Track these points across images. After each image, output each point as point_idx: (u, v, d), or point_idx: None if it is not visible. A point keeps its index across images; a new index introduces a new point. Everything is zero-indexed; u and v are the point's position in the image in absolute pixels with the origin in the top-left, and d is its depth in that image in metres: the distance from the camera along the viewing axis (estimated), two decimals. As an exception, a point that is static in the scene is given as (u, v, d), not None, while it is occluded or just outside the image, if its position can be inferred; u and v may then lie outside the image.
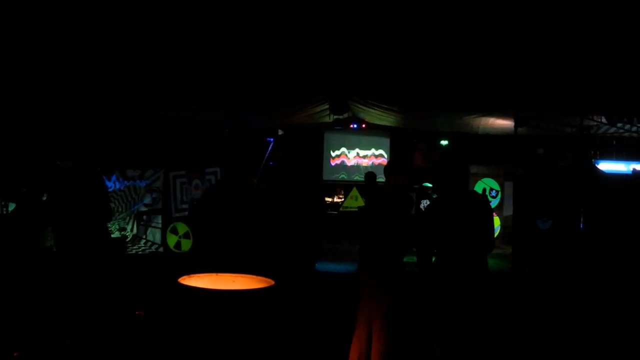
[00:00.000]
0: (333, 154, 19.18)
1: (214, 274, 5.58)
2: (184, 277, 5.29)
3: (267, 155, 17.86)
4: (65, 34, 12.05)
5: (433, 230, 6.39)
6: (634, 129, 15.07)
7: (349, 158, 19.12)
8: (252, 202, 7.69)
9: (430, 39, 13.48)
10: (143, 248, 14.61)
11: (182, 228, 14.64)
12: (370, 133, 19.04)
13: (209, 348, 4.87)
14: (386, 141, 19.18)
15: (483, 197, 7.00)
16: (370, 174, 13.03)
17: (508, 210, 17.46)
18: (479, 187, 18.13)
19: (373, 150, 19.06)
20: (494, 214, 17.32)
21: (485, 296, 6.41)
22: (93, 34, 12.21)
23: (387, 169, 6.83)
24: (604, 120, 14.72)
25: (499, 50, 13.34)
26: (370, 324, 6.43)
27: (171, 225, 14.79)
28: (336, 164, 19.18)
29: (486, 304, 6.46)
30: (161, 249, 14.73)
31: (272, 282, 5.29)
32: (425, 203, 15.45)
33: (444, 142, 18.41)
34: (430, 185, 16.28)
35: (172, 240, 14.75)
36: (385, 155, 19.11)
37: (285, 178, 10.66)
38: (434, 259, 6.42)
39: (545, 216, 13.30)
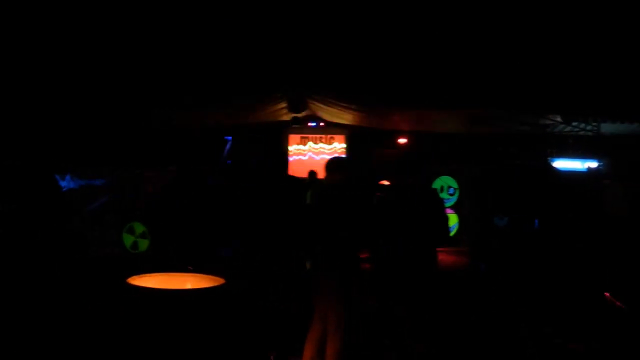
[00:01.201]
0: (292, 152, 19.17)
1: (165, 274, 5.55)
2: (133, 277, 5.26)
3: (225, 153, 17.82)
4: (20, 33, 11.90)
5: (383, 225, 6.44)
6: (589, 127, 15.24)
7: (307, 156, 19.10)
8: (207, 201, 7.69)
9: (387, 36, 13.51)
10: (98, 249, 14.46)
11: (139, 228, 14.44)
12: (329, 131, 19.05)
13: (156, 348, 4.84)
14: (344, 139, 19.18)
15: (433, 191, 7.05)
16: (313, 172, 13.05)
17: (466, 208, 17.63)
18: (437, 185, 18.25)
19: (332, 148, 19.06)
20: (452, 211, 17.65)
21: (433, 289, 6.47)
22: (47, 32, 12.07)
23: (329, 165, 6.81)
24: (559, 119, 14.87)
25: (455, 49, 13.40)
26: (325, 323, 6.42)
27: (127, 225, 14.64)
28: (295, 162, 19.16)
29: (435, 296, 6.52)
30: (118, 250, 14.60)
31: (223, 281, 5.28)
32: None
33: (403, 140, 18.47)
34: (387, 182, 16.36)
35: (128, 240, 14.62)
36: (345, 154, 19.10)
37: (245, 176, 10.63)
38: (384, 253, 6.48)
39: (502, 213, 13.43)
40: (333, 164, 6.79)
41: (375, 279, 6.84)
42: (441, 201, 6.76)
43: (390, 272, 6.44)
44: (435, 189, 7.56)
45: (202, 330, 4.97)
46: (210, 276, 5.44)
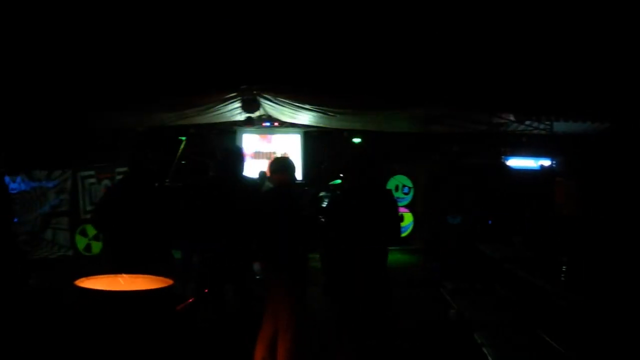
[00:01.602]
0: (247, 153, 19.10)
1: (112, 276, 5.53)
2: (81, 279, 5.23)
3: (179, 153, 17.73)
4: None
5: (335, 224, 6.48)
6: (542, 126, 15.42)
7: (262, 156, 19.05)
8: (156, 201, 7.65)
9: (341, 37, 13.57)
10: (50, 251, 14.33)
11: (92, 230, 14.30)
12: (283, 131, 19.03)
13: (104, 350, 4.83)
14: (299, 139, 19.19)
15: (387, 192, 7.08)
16: (263, 172, 13.05)
17: (421, 207, 17.78)
18: (391, 184, 18.36)
19: (286, 148, 19.03)
20: (407, 210, 17.75)
21: (384, 290, 6.52)
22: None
23: (272, 166, 6.87)
24: (512, 117, 15.04)
25: (409, 48, 13.51)
26: (276, 323, 6.46)
27: (80, 228, 14.54)
28: (250, 163, 19.08)
29: (385, 298, 6.56)
30: (70, 252, 14.47)
31: (171, 282, 5.27)
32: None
33: (357, 140, 18.53)
34: (339, 182, 16.41)
35: (81, 242, 14.53)
36: (299, 153, 19.10)
37: (199, 177, 10.58)
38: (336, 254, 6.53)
39: (455, 212, 13.55)
40: (277, 164, 6.83)
41: (326, 278, 6.88)
42: (394, 202, 6.81)
43: (340, 271, 6.48)
44: (389, 190, 7.57)
45: (151, 332, 4.96)
46: (159, 277, 5.43)
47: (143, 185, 7.61)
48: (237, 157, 8.04)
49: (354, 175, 6.68)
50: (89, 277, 5.31)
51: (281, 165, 6.83)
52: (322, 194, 13.79)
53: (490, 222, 13.02)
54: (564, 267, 7.33)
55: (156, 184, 7.96)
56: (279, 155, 15.45)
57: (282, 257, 6.47)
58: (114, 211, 7.36)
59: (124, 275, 5.57)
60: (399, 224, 7.02)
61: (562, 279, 7.08)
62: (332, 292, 6.73)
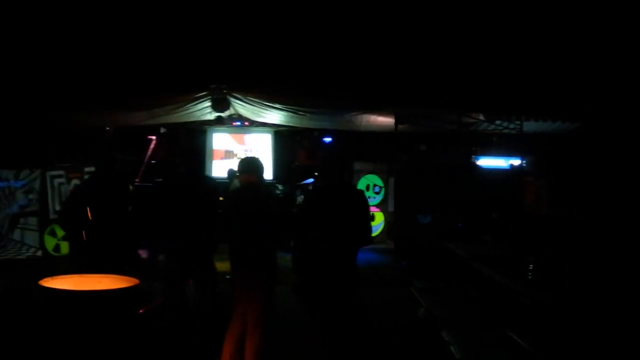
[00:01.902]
0: (217, 152, 19.07)
1: (79, 275, 5.54)
2: (46, 279, 5.23)
3: (149, 153, 17.69)
4: None
5: (307, 223, 6.51)
6: (512, 126, 15.54)
7: (233, 156, 19.01)
8: (123, 201, 7.66)
9: (311, 36, 13.57)
10: (19, 252, 14.23)
11: (61, 230, 14.17)
12: (254, 130, 19.01)
13: (69, 349, 4.83)
14: (269, 138, 19.18)
15: (359, 192, 7.11)
16: (232, 170, 13.01)
17: (392, 206, 17.85)
18: (362, 184, 18.42)
19: (256, 148, 19.03)
20: (378, 209, 17.81)
21: (353, 289, 6.56)
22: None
23: (240, 166, 6.86)
24: (482, 117, 15.13)
25: (378, 48, 13.53)
26: (245, 321, 6.48)
27: (49, 228, 14.43)
28: (221, 162, 19.02)
29: (355, 297, 6.60)
30: (39, 253, 14.38)
31: (137, 282, 5.28)
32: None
33: (328, 139, 18.58)
34: (311, 181, 16.46)
35: (50, 243, 14.42)
36: (270, 153, 19.11)
37: (169, 176, 10.57)
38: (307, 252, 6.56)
39: (426, 211, 13.63)
40: (245, 164, 6.84)
41: (297, 277, 6.89)
42: (366, 202, 6.85)
43: (311, 270, 6.51)
44: (361, 190, 7.61)
45: (116, 330, 4.97)
46: (124, 277, 5.44)
47: (110, 184, 7.61)
48: (197, 155, 8.11)
49: (326, 174, 6.71)
50: (54, 277, 5.32)
51: (249, 165, 6.82)
52: (296, 193, 13.88)
53: (460, 224, 13.08)
54: (530, 266, 7.39)
55: (126, 184, 7.96)
56: (249, 154, 15.48)
57: (249, 257, 6.49)
58: (80, 211, 7.36)
59: (90, 275, 5.58)
60: (370, 224, 7.06)
61: (529, 277, 7.14)
62: (302, 292, 6.76)
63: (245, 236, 6.51)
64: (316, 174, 13.86)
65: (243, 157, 7.04)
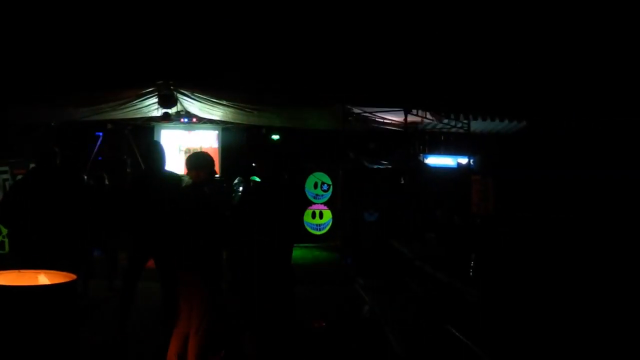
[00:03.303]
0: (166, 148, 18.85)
1: (16, 271, 5.48)
2: (-19, 275, 5.18)
3: (95, 149, 17.50)
4: None
5: (240, 220, 6.51)
6: (460, 125, 15.67)
7: (180, 153, 18.88)
8: (65, 197, 7.59)
9: (261, 32, 13.59)
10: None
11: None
12: (202, 127, 18.90)
13: (6, 346, 4.79)
14: (216, 135, 19.09)
15: (294, 189, 7.14)
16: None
17: (339, 204, 17.94)
18: (310, 181, 18.45)
19: (203, 145, 18.94)
20: (327, 207, 17.87)
21: (288, 286, 6.57)
22: None
23: (188, 162, 6.82)
24: (429, 116, 15.25)
25: (326, 45, 13.58)
26: (190, 320, 6.46)
27: (-6, 225, 14.25)
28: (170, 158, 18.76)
29: (290, 293, 6.61)
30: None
31: (74, 277, 5.24)
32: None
33: (276, 137, 18.58)
34: (258, 179, 16.42)
35: (-5, 240, 14.27)
36: (218, 149, 19.02)
37: (116, 174, 10.43)
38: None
39: (372, 209, 13.70)
40: (194, 160, 6.79)
41: (230, 273, 6.90)
42: (300, 198, 6.89)
43: (242, 266, 6.52)
44: (299, 186, 7.64)
45: (53, 327, 4.93)
46: (61, 273, 5.39)
47: (49, 180, 7.54)
48: (158, 152, 8.07)
49: (262, 171, 6.72)
50: (-11, 273, 5.26)
51: (197, 161, 6.78)
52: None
53: (403, 223, 13.15)
54: (471, 264, 7.47)
55: (83, 180, 7.89)
56: (198, 150, 15.40)
57: (193, 256, 6.46)
58: (19, 206, 7.29)
59: (27, 271, 5.52)
60: (300, 221, 7.10)
61: (470, 275, 7.22)
62: (234, 288, 6.77)
63: (187, 235, 6.50)
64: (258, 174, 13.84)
65: (191, 153, 6.94)
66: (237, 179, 10.87)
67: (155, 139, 18.46)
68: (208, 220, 6.48)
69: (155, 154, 8.14)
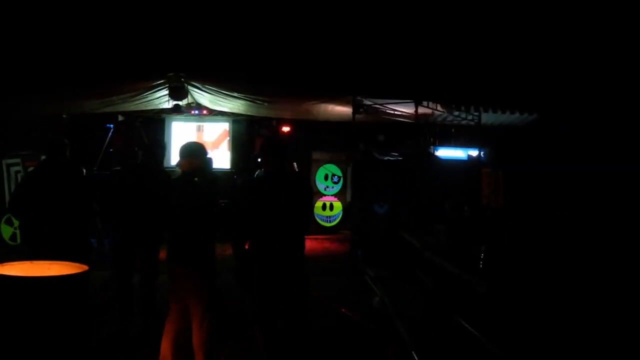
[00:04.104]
0: (176, 141, 18.94)
1: (28, 262, 5.54)
2: (-6, 265, 5.24)
3: (106, 141, 17.57)
4: None
5: (247, 211, 6.47)
6: (470, 117, 15.67)
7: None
8: (74, 189, 7.64)
9: (270, 25, 13.60)
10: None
11: (18, 219, 14.08)
12: (212, 119, 18.93)
13: (18, 335, 4.85)
14: (228, 127, 19.12)
15: (300, 180, 7.09)
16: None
17: (349, 196, 17.99)
18: (321, 173, 18.47)
19: (215, 137, 19.00)
20: (337, 199, 17.89)
21: (301, 279, 6.55)
22: None
23: (181, 151, 6.63)
24: (440, 108, 15.25)
25: (338, 37, 13.59)
26: (187, 316, 6.33)
27: (6, 216, 14.30)
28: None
29: (302, 286, 6.59)
30: (-3, 241, 14.27)
31: (86, 268, 5.30)
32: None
33: (286, 129, 18.58)
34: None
35: (7, 231, 14.30)
36: (227, 142, 19.08)
37: (127, 166, 10.48)
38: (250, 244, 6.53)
39: (382, 201, 13.71)
40: (186, 149, 6.63)
41: (239, 263, 6.88)
42: (308, 190, 6.86)
43: (252, 259, 6.48)
44: (303, 178, 7.63)
45: (64, 317, 4.99)
46: (74, 264, 5.45)
47: (60, 172, 7.60)
48: (158, 146, 8.13)
49: (266, 162, 6.63)
50: (2, 264, 5.31)
51: (190, 149, 6.63)
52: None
53: (414, 215, 13.14)
54: (481, 256, 7.50)
55: (82, 172, 7.93)
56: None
57: (189, 249, 6.35)
58: (30, 198, 7.35)
59: (39, 262, 5.58)
60: (309, 214, 7.03)
61: (480, 267, 7.24)
62: (243, 279, 6.71)
63: (182, 227, 6.38)
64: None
65: (185, 143, 6.79)
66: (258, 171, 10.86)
67: (166, 131, 18.55)
68: (198, 213, 6.36)
69: (154, 148, 8.26)
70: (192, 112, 18.18)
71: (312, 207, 6.50)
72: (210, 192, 6.65)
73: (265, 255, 6.36)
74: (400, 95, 14.22)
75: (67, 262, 5.51)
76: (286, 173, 6.73)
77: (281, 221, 6.36)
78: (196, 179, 6.53)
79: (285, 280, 6.38)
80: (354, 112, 14.57)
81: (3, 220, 14.29)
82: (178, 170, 6.65)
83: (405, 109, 15.08)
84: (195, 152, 6.63)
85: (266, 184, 6.58)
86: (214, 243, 6.52)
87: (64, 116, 16.63)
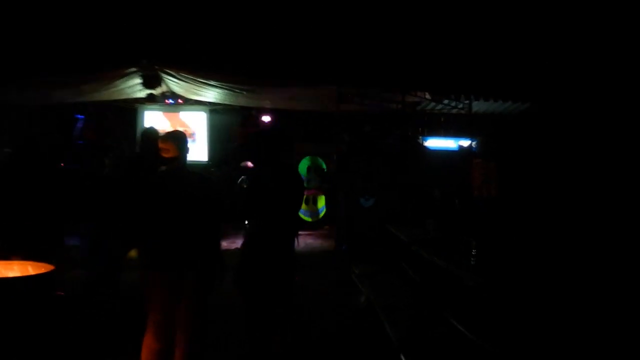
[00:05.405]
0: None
1: (-9, 262, 5.50)
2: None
3: (75, 133, 17.43)
4: None
5: (255, 207, 6.32)
6: (460, 105, 15.66)
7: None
8: (45, 183, 7.59)
9: (250, 10, 13.54)
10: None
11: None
12: (188, 109, 18.76)
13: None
14: (205, 117, 18.96)
15: (297, 175, 6.97)
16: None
17: (334, 189, 17.96)
18: (303, 165, 18.44)
19: (192, 127, 18.86)
20: (320, 192, 17.88)
21: (292, 275, 6.50)
22: None
23: (161, 140, 6.31)
24: (428, 96, 15.22)
25: (320, 25, 13.53)
26: (173, 324, 5.95)
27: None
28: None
29: (293, 283, 6.53)
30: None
31: (52, 268, 5.26)
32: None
33: (267, 119, 18.48)
34: (249, 164, 16.36)
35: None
36: (205, 132, 18.89)
37: (99, 159, 10.36)
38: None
39: (368, 194, 13.69)
40: (166, 138, 6.30)
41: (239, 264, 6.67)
42: (302, 186, 6.82)
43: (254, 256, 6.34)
44: (298, 172, 7.54)
45: (29, 318, 4.95)
46: (39, 263, 5.39)
47: (30, 166, 7.54)
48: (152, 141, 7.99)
49: (262, 155, 6.51)
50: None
51: (169, 137, 6.26)
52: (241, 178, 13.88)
53: (401, 208, 13.13)
54: (472, 250, 7.47)
55: (52, 165, 7.88)
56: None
57: (179, 251, 5.98)
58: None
59: (2, 262, 5.53)
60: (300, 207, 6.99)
61: (470, 261, 7.22)
62: (242, 283, 6.40)
63: (170, 226, 5.98)
64: (249, 158, 13.75)
65: (164, 132, 6.53)
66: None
67: (139, 121, 18.38)
68: (188, 209, 5.99)
69: (149, 143, 8.16)
70: (167, 101, 18.04)
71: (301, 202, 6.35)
72: (205, 185, 6.37)
73: (265, 250, 6.25)
74: (386, 84, 14.16)
75: (32, 262, 5.46)
76: (284, 167, 6.56)
77: (282, 215, 6.31)
78: (181, 171, 6.21)
79: (282, 275, 6.33)
80: (338, 102, 14.53)
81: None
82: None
83: (392, 97, 15.07)
84: (174, 139, 6.25)
85: (267, 178, 6.42)
86: (212, 243, 6.24)
87: (33, 106, 16.48)
